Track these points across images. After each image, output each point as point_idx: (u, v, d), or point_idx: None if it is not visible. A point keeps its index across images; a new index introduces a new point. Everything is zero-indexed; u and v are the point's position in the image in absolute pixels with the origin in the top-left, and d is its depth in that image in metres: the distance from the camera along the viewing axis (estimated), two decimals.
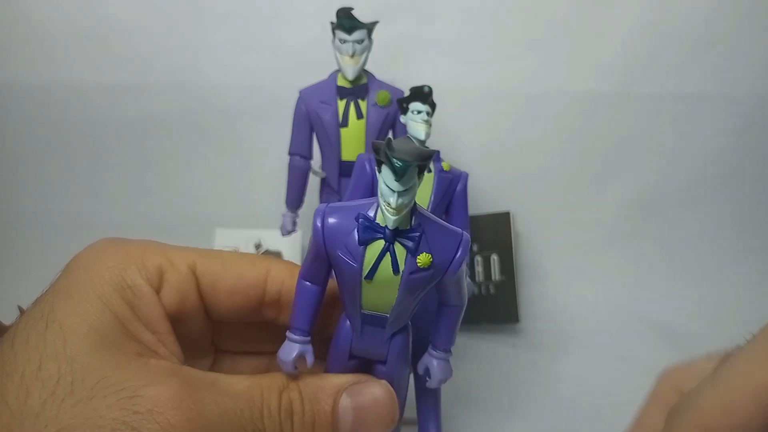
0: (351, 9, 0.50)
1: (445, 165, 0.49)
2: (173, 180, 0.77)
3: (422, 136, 0.47)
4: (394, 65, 0.73)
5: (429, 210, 0.43)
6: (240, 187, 0.79)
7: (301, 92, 0.54)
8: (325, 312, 0.37)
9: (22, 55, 0.74)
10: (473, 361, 0.63)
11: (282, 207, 0.58)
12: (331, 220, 0.33)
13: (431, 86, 0.48)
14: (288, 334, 0.35)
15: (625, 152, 0.81)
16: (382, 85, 0.54)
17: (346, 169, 0.55)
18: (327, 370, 0.37)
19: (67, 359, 0.29)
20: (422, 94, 0.47)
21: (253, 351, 0.40)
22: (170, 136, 0.77)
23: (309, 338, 0.35)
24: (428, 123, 0.47)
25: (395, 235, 0.32)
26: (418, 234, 0.32)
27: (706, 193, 0.83)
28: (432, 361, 0.38)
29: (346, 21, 0.50)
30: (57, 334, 0.29)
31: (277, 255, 0.72)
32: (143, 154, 0.79)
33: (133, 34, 0.73)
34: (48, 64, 0.74)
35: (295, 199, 0.57)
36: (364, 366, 0.38)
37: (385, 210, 0.32)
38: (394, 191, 0.31)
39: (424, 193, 0.49)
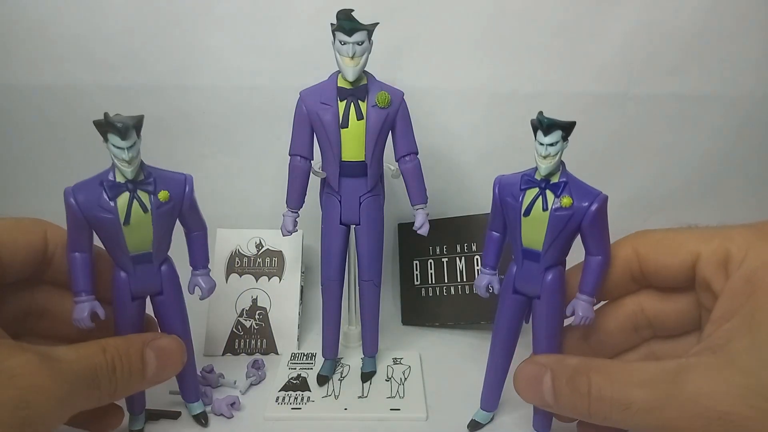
0: (351, 11, 0.50)
1: (565, 200, 0.44)
2: None
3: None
4: (393, 66, 0.74)
5: (544, 247, 0.45)
6: (241, 187, 0.80)
7: (301, 93, 0.55)
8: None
9: (22, 56, 0.74)
10: (473, 360, 0.64)
11: (282, 207, 0.58)
12: (80, 195, 0.42)
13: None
14: (74, 299, 0.44)
15: (624, 152, 0.81)
16: (382, 86, 0.54)
17: (346, 169, 0.55)
18: (115, 317, 0.47)
19: None
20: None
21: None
22: (170, 137, 0.77)
23: (94, 296, 0.44)
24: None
25: (135, 186, 0.43)
26: (152, 179, 0.44)
27: (706, 192, 0.84)
28: (198, 278, 0.50)
29: (346, 23, 0.50)
30: None
31: (278, 255, 0.72)
32: (144, 155, 0.79)
33: (133, 35, 0.73)
34: (48, 64, 0.74)
35: (295, 199, 0.58)
36: (143, 305, 0.48)
37: (123, 167, 0.42)
38: (123, 148, 0.41)
39: (539, 232, 0.45)
